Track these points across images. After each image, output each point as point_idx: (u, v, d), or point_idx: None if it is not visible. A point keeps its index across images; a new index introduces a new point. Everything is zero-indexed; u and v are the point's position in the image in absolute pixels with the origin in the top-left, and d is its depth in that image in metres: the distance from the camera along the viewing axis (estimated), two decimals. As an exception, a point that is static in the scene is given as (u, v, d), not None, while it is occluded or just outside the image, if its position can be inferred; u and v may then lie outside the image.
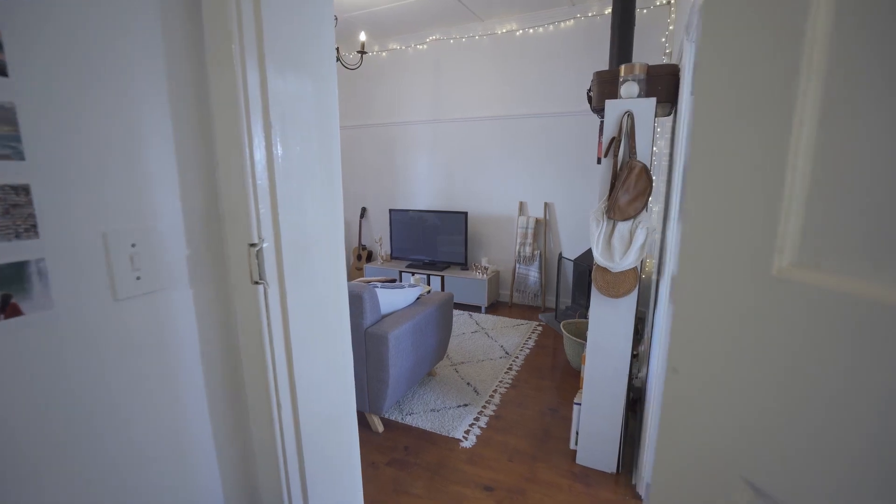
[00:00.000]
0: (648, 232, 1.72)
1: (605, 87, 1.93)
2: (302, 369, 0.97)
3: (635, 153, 1.73)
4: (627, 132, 1.75)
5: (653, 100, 1.71)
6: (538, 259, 4.41)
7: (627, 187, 1.71)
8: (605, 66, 3.91)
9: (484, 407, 2.65)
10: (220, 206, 0.87)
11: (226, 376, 0.93)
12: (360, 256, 5.38)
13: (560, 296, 4.25)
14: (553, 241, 4.43)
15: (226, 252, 0.90)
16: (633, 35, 3.31)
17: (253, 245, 0.86)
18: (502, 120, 4.44)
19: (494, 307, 4.57)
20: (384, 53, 4.92)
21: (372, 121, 5.15)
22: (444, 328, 2.83)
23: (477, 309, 4.46)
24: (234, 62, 0.79)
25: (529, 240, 4.40)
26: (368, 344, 2.26)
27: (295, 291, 0.93)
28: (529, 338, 3.75)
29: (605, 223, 1.79)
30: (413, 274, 4.68)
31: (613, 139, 1.78)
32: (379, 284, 2.51)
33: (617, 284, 1.83)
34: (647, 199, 1.70)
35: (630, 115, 1.73)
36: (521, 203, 4.51)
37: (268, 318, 0.90)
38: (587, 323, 3.50)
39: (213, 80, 0.82)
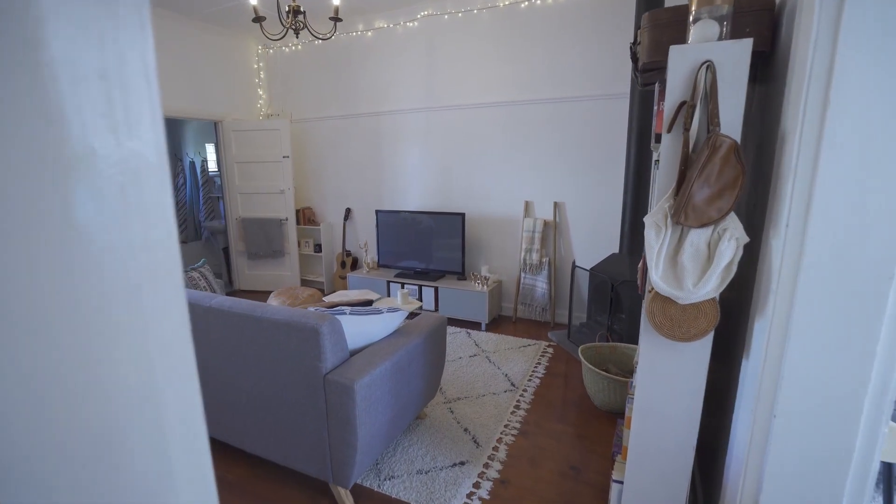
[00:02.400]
0: (739, 244, 1.13)
1: (661, 34, 1.33)
2: None
3: (718, 125, 1.13)
4: (705, 93, 1.15)
5: (748, 42, 1.11)
6: (547, 268, 3.81)
7: (708, 176, 1.11)
8: (626, 42, 3.32)
9: (486, 466, 2.05)
10: None
11: None
12: (345, 264, 4.77)
13: (573, 310, 3.66)
14: (564, 247, 3.83)
15: None
16: (665, -3, 2.72)
17: None
18: (505, 107, 3.84)
19: (496, 323, 3.97)
20: (369, 33, 4.32)
21: (357, 110, 4.55)
22: (436, 361, 2.23)
23: (476, 326, 3.86)
24: None
25: (536, 245, 3.80)
26: (329, 395, 1.65)
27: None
28: (538, 363, 3.15)
29: (670, 231, 1.20)
30: (402, 285, 4.07)
31: (683, 105, 1.18)
32: (347, 310, 1.91)
33: (686, 322, 1.24)
34: (738, 195, 1.11)
35: (710, 66, 1.13)
36: (527, 203, 3.91)
37: None
38: (610, 348, 2.92)
39: None
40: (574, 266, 3.41)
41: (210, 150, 5.88)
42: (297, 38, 2.69)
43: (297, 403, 1.75)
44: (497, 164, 3.98)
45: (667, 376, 1.33)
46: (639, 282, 1.73)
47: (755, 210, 1.34)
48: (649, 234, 1.22)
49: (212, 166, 5.89)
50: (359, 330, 1.90)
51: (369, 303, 2.17)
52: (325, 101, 4.73)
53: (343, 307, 1.95)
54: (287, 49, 4.80)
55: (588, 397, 2.69)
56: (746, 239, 1.13)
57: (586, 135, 3.58)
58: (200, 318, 1.94)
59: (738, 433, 1.22)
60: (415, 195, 4.44)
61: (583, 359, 2.62)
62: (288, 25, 2.49)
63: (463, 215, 3.87)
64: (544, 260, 3.81)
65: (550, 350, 3.37)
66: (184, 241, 5.77)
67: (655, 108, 1.31)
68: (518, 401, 2.64)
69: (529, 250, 3.85)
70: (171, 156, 6.02)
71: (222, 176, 4.88)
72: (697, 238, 1.17)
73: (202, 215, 5.90)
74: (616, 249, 3.47)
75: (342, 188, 4.87)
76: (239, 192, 4.84)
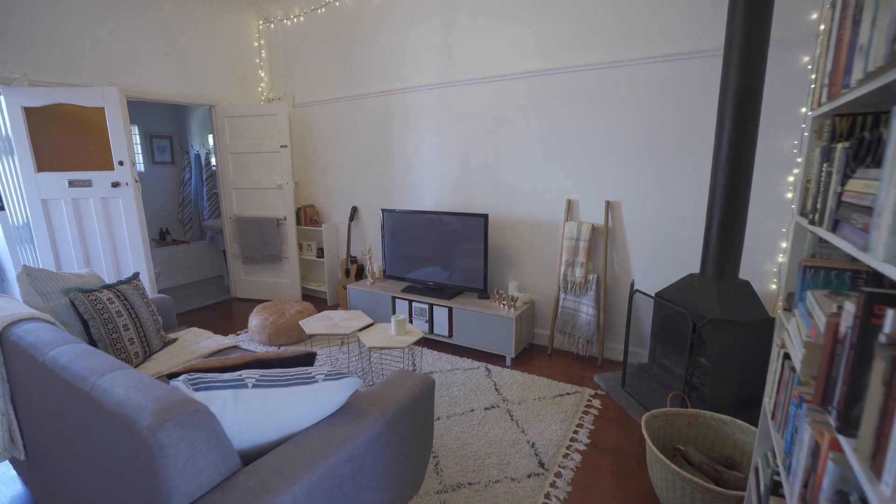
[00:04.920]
0: None
1: None
2: None
3: None
4: None
5: None
6: (594, 287, 2.90)
7: None
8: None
9: None
10: None
11: None
12: (349, 272, 4.05)
13: (630, 343, 2.74)
14: (619, 261, 2.90)
15: None
16: None
17: None
18: (541, 77, 2.96)
19: (527, 357, 3.10)
20: (378, -6, 3.56)
21: (365, 90, 3.81)
22: (413, 452, 1.41)
23: (499, 360, 3.01)
24: None
25: (581, 258, 2.90)
26: (174, 558, 0.88)
27: None
28: (580, 424, 2.26)
29: None
30: (410, 303, 3.29)
31: None
32: (252, 379, 1.13)
33: None
34: None
35: None
36: (570, 202, 3.01)
37: None
38: (689, 418, 1.95)
39: None
40: (633, 289, 2.49)
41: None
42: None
43: (141, 552, 0.99)
44: (530, 152, 3.10)
45: None
46: (849, 343, 0.83)
47: None
48: None
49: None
50: (270, 413, 1.12)
51: (310, 358, 1.39)
52: (329, 81, 4.02)
53: (249, 374, 1.18)
54: (288, 22, 4.14)
55: (654, 494, 1.78)
56: None
57: (653, 110, 2.63)
58: (39, 374, 1.24)
59: None
60: (430, 191, 3.64)
61: (648, 439, 1.72)
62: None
63: (485, 217, 3.03)
64: (591, 277, 2.90)
65: (597, 403, 2.46)
66: (185, 242, 5.28)
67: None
68: (548, 495, 1.78)
69: (572, 264, 2.95)
70: (178, 148, 5.57)
71: (217, 168, 4.30)
72: None
73: (206, 212, 5.40)
74: (695, 268, 2.52)
75: (348, 183, 4.16)
76: (234, 188, 4.24)
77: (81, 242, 3.16)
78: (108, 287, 1.96)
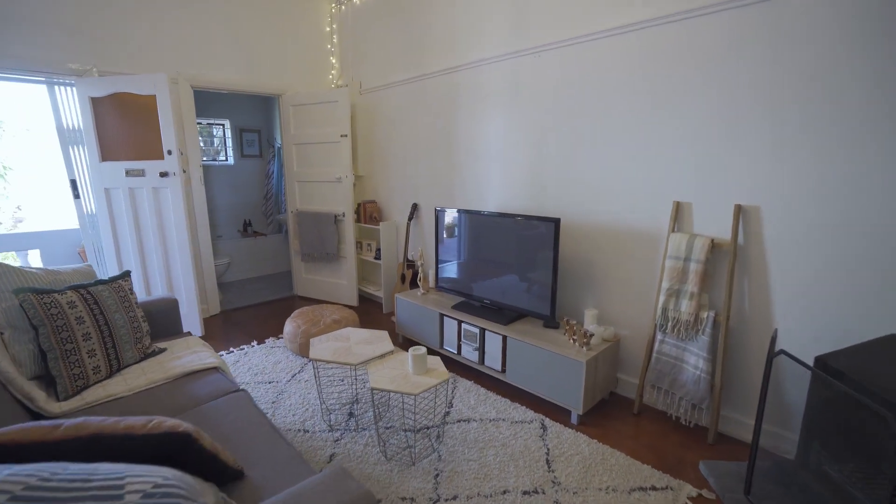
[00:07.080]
0: None
1: None
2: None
3: None
4: None
5: None
6: (709, 329, 1.99)
7: None
8: None
9: None
10: None
11: None
12: (404, 277, 3.58)
13: (763, 424, 1.81)
14: (753, 295, 1.95)
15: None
16: None
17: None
18: (647, 31, 2.13)
19: (601, 413, 2.29)
20: (445, -48, 3.00)
21: (429, 69, 3.29)
22: None
23: (563, 414, 2.25)
24: None
25: (691, 285, 2.02)
26: None
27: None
28: (669, 551, 1.45)
29: None
30: (460, 323, 2.69)
31: None
32: (13, 490, 0.65)
33: None
34: None
35: None
36: (679, 205, 2.13)
37: None
38: None
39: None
40: (775, 345, 1.57)
41: (296, 134, 5.32)
42: None
43: None
44: (624, 135, 2.28)
45: None
46: None
47: None
48: None
49: (297, 153, 5.33)
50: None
51: (183, 441, 0.88)
52: (395, 63, 3.59)
53: (22, 475, 0.70)
54: (358, 0, 3.79)
55: None
56: None
57: (823, 67, 1.66)
58: None
59: None
60: (496, 188, 2.99)
61: None
62: None
63: (556, 222, 2.29)
64: (705, 315, 2.00)
65: (702, 513, 1.61)
66: (263, 234, 5.33)
67: None
68: None
69: (676, 293, 2.08)
70: (265, 141, 5.67)
71: (284, 160, 4.16)
72: None
73: (283, 206, 5.40)
74: (899, 324, 1.53)
75: (410, 177, 3.68)
76: (296, 180, 4.05)
77: (136, 232, 3.15)
78: (76, 288, 1.70)
